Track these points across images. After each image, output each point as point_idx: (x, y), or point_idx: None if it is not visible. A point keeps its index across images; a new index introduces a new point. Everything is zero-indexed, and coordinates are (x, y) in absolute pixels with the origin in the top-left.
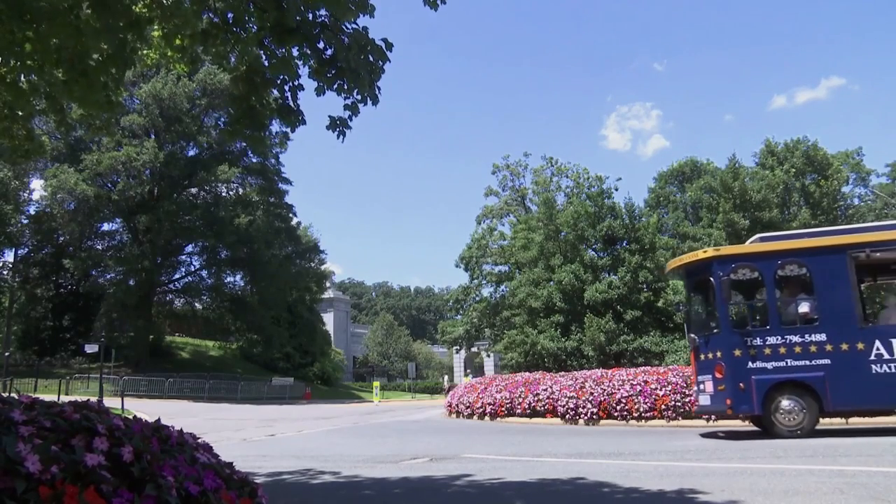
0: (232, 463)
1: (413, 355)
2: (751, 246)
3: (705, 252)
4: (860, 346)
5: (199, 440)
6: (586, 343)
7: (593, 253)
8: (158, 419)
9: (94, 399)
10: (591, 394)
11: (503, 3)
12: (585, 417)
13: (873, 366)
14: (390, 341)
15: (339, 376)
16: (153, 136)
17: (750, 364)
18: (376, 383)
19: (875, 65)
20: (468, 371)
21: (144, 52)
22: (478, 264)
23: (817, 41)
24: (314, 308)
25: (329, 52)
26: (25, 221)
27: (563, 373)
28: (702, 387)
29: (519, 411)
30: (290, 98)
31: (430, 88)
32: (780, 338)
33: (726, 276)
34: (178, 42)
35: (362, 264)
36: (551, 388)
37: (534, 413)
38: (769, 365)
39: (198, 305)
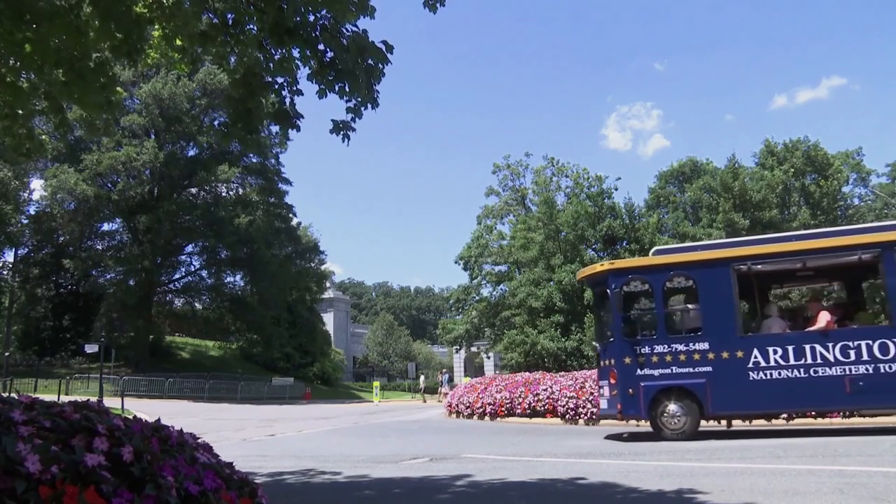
0: (232, 463)
1: (413, 355)
2: (643, 259)
3: (602, 265)
4: (739, 354)
5: (199, 440)
6: (586, 343)
7: (593, 253)
8: (158, 419)
9: (94, 399)
10: (592, 394)
11: (503, 3)
12: (585, 417)
13: (751, 373)
14: (390, 341)
15: (339, 376)
16: (153, 136)
17: (638, 371)
18: (376, 383)
19: (876, 64)
20: (444, 372)
21: (145, 52)
22: (477, 264)
23: (818, 41)
24: (314, 308)
25: (329, 54)
26: (25, 221)
27: (563, 373)
28: (601, 391)
29: (519, 411)
30: (287, 102)
31: (430, 88)
32: (666, 346)
33: (619, 288)
34: (178, 42)
35: (362, 264)
36: (551, 388)
37: (534, 413)
38: (656, 372)
39: (198, 305)
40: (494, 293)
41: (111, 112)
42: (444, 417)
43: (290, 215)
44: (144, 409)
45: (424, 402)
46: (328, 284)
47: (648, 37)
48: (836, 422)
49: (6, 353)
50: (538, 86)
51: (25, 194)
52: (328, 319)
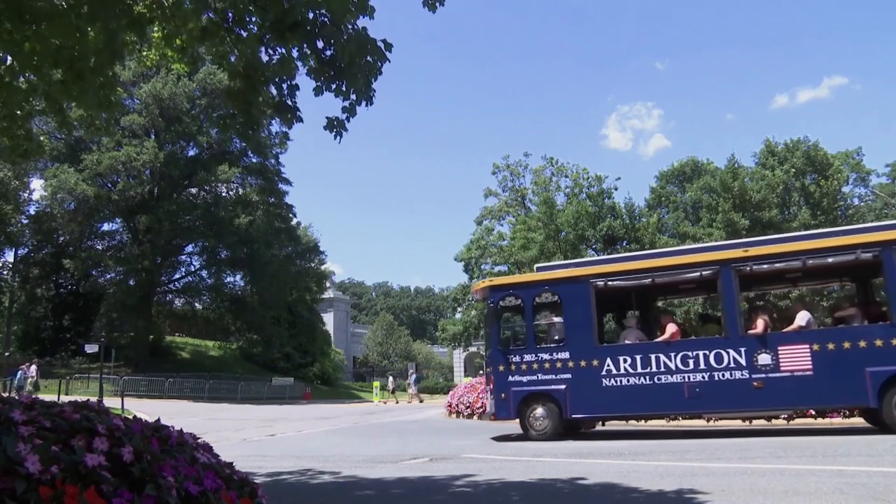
0: (232, 463)
1: (413, 355)
2: (518, 276)
3: (483, 282)
4: (595, 362)
5: (199, 440)
6: None
7: (594, 252)
8: (158, 419)
9: (94, 399)
10: None
11: (503, 2)
12: None
13: (604, 380)
14: (390, 341)
15: (339, 376)
16: (153, 136)
17: (510, 378)
18: (376, 383)
19: (877, 63)
20: (412, 372)
21: (144, 52)
22: (477, 264)
23: (819, 40)
24: (314, 308)
25: (329, 52)
26: (25, 221)
27: None
28: (485, 396)
29: None
30: (287, 96)
31: (429, 88)
32: (534, 356)
33: (496, 303)
34: (178, 42)
35: (362, 264)
36: None
37: None
38: (524, 378)
39: (198, 305)
40: None
41: (111, 111)
42: (444, 417)
43: (290, 215)
44: (144, 409)
45: (396, 402)
46: (328, 284)
47: (649, 36)
48: (837, 422)
49: (6, 353)
50: (538, 85)
51: (25, 194)
52: (328, 319)
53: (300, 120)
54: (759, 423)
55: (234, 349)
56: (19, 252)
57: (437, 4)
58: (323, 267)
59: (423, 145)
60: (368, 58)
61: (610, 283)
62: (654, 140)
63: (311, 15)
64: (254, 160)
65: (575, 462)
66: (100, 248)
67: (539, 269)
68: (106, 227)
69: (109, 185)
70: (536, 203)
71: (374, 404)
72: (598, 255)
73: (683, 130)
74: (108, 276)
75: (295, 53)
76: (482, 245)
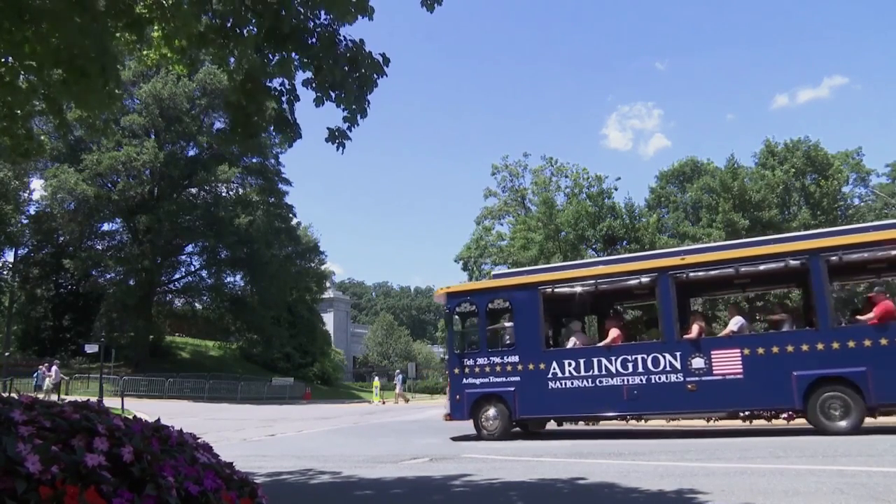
0: (232, 463)
1: (413, 355)
2: (474, 283)
3: (442, 289)
4: (542, 366)
5: (199, 440)
6: None
7: (593, 253)
8: (158, 419)
9: (94, 399)
10: None
11: (502, 2)
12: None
13: (550, 382)
14: (390, 341)
15: (339, 376)
16: (153, 136)
17: (464, 380)
18: (376, 383)
19: (878, 63)
20: (399, 372)
21: (144, 52)
22: (476, 264)
23: (820, 40)
24: (314, 308)
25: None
26: (25, 221)
27: None
28: (446, 398)
29: None
30: (287, 109)
31: (429, 88)
32: (486, 359)
33: (451, 308)
34: (177, 44)
35: (362, 264)
36: None
37: None
38: (477, 381)
39: (198, 305)
40: None
41: (111, 110)
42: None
43: (290, 215)
44: (144, 409)
45: (383, 403)
46: (328, 284)
47: (649, 36)
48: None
49: (6, 353)
50: (538, 85)
51: (25, 194)
52: (328, 319)
53: (300, 136)
54: (759, 424)
55: (234, 349)
56: (19, 252)
57: (435, 4)
58: (323, 267)
59: (423, 145)
60: (364, 70)
61: (556, 289)
62: (655, 140)
63: (310, 24)
64: (254, 160)
65: (575, 462)
66: (100, 248)
67: (495, 276)
68: (106, 227)
69: (109, 185)
70: (536, 203)
71: (375, 404)
72: (599, 255)
73: (684, 130)
74: (108, 276)
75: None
76: (481, 245)
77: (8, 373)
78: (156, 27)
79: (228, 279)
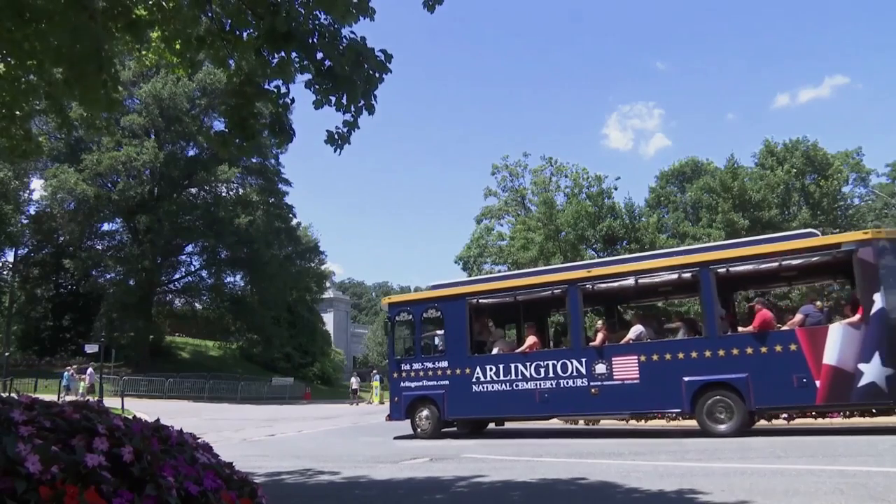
0: (232, 463)
1: None
2: (411, 294)
3: (385, 300)
4: (467, 371)
5: (199, 440)
6: None
7: (593, 253)
8: (158, 419)
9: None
10: None
11: (502, 2)
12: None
13: (474, 386)
14: None
15: (339, 376)
16: (153, 136)
17: (402, 384)
18: (376, 383)
19: (880, 62)
20: (375, 373)
21: (143, 53)
22: (476, 264)
23: (821, 39)
24: (314, 308)
25: (327, 63)
26: (25, 221)
27: None
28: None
29: None
30: (282, 115)
31: (429, 88)
32: (420, 364)
33: (392, 317)
34: (177, 46)
35: (362, 264)
36: None
37: None
38: (413, 384)
39: (198, 305)
40: None
41: (112, 110)
42: None
43: (290, 215)
44: (144, 409)
45: (356, 405)
46: (328, 284)
47: (650, 35)
48: (837, 422)
49: (6, 353)
50: (539, 85)
51: (25, 194)
52: (328, 319)
53: (291, 139)
54: (759, 424)
55: (234, 349)
56: (19, 252)
57: (436, 5)
58: (323, 267)
59: (423, 145)
60: (367, 68)
61: (481, 300)
62: (655, 140)
63: (310, 24)
64: (254, 160)
65: (575, 462)
66: (100, 248)
67: (432, 288)
68: (106, 227)
69: (109, 185)
70: (536, 203)
71: (374, 405)
72: (599, 256)
73: (684, 130)
74: (108, 276)
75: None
76: (481, 244)
77: (8, 373)
78: (156, 29)
79: (228, 279)
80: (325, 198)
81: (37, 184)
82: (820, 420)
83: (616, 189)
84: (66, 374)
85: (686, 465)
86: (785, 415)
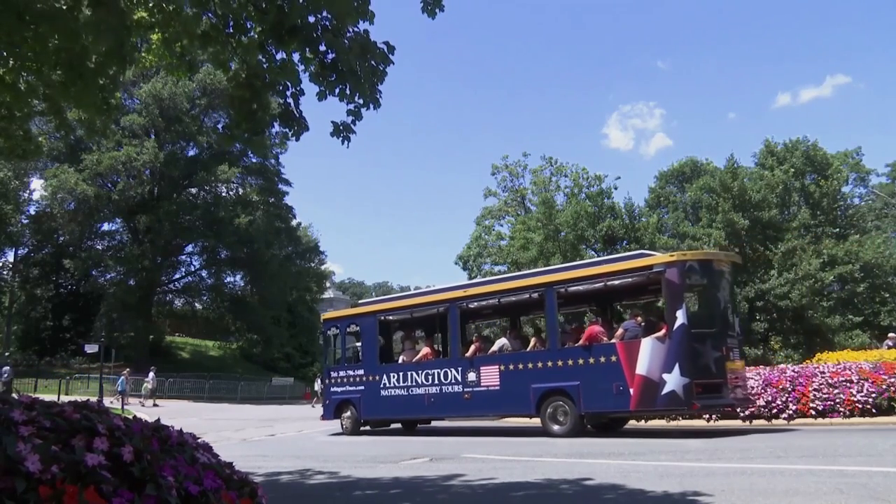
0: (232, 463)
1: None
2: (338, 311)
3: (324, 316)
4: (377, 378)
5: (199, 440)
6: None
7: (593, 253)
8: (158, 419)
9: (93, 399)
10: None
11: (503, 2)
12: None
13: (382, 391)
14: None
15: None
16: (153, 136)
17: (331, 388)
18: None
19: (881, 62)
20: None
21: (143, 55)
22: (476, 263)
23: (822, 38)
24: (314, 308)
25: (330, 55)
26: (25, 221)
27: None
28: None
29: None
30: (292, 104)
31: (429, 88)
32: (344, 372)
33: (324, 331)
34: (177, 48)
35: (362, 264)
36: None
37: None
38: (339, 389)
39: (198, 305)
40: None
41: (109, 113)
42: None
43: (290, 215)
44: (144, 409)
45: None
46: (328, 284)
47: (651, 35)
48: (837, 422)
49: (6, 353)
50: (539, 85)
51: (25, 194)
52: None
53: (307, 129)
54: (759, 423)
55: (234, 349)
56: (19, 252)
57: (437, 10)
58: (323, 267)
59: (424, 145)
60: (372, 62)
61: (387, 316)
62: (656, 139)
63: (311, 19)
64: (254, 160)
65: (575, 462)
66: (100, 248)
67: (358, 305)
68: (106, 227)
69: (109, 185)
70: (536, 203)
71: None
72: (598, 255)
73: (685, 130)
74: (108, 276)
75: (297, 58)
76: (481, 244)
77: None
78: (156, 31)
79: (228, 279)
80: (325, 198)
81: (37, 184)
82: (820, 420)
83: (616, 189)
84: (121, 378)
85: (686, 465)
86: (785, 415)
